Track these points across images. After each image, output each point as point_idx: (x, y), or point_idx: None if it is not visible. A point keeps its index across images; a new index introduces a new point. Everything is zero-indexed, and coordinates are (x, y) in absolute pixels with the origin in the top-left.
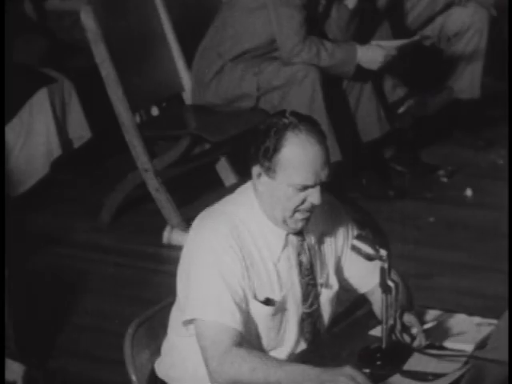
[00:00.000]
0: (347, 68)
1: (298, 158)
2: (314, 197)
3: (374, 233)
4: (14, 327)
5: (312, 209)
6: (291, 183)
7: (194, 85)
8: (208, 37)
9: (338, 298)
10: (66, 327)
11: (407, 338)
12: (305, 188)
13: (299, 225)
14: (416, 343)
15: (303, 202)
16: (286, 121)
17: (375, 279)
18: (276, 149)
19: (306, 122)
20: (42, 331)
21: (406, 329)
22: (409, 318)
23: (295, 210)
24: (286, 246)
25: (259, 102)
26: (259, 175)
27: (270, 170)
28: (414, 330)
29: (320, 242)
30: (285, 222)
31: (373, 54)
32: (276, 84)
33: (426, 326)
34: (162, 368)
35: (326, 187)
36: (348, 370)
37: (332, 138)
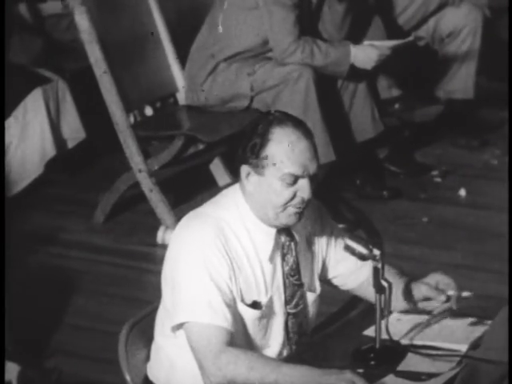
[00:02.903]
0: (342, 68)
1: (285, 149)
2: (303, 190)
3: (367, 233)
4: (9, 327)
5: (303, 204)
6: (280, 175)
7: (187, 86)
8: (200, 37)
9: (331, 299)
10: (60, 327)
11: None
12: (294, 181)
13: (292, 219)
14: (446, 307)
15: (293, 197)
16: (271, 117)
17: (362, 276)
18: (263, 144)
19: (292, 119)
20: (36, 331)
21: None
22: (447, 281)
23: (285, 206)
24: (276, 244)
25: (253, 102)
26: (248, 175)
27: (258, 167)
28: (450, 292)
29: (306, 243)
30: (277, 218)
31: (367, 54)
32: (270, 84)
33: (464, 295)
34: (152, 371)
35: (317, 187)
36: (349, 374)
37: (326, 137)
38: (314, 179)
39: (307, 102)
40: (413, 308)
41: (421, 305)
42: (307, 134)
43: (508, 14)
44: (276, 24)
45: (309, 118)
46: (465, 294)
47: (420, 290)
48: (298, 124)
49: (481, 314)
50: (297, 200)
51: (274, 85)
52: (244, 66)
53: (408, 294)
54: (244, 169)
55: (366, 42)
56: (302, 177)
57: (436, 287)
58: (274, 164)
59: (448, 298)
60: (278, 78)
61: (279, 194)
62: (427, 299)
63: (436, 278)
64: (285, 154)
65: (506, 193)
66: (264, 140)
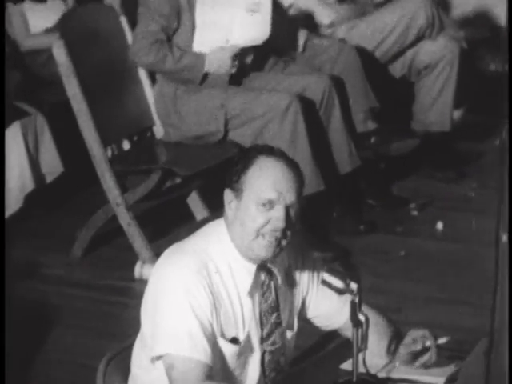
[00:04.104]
0: (194, 74)
1: (264, 173)
2: (277, 218)
3: (344, 266)
4: None
5: (277, 233)
6: (255, 198)
7: (159, 121)
8: None
9: (308, 332)
10: (38, 361)
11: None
12: (269, 208)
13: (264, 251)
14: (427, 358)
15: (267, 223)
16: (260, 148)
17: (344, 316)
18: (244, 168)
19: (280, 153)
20: (14, 365)
21: (416, 343)
22: (422, 333)
23: (259, 233)
24: (255, 281)
25: (228, 135)
26: (230, 202)
27: (238, 191)
28: (428, 343)
29: (286, 281)
30: (251, 247)
31: (219, 57)
32: (250, 115)
33: (440, 341)
34: None
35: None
36: None
37: (315, 167)
38: (290, 211)
39: (296, 133)
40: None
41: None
42: (291, 166)
43: (508, 48)
44: (137, 27)
45: (298, 148)
46: (441, 340)
47: (400, 354)
48: (285, 157)
49: (458, 348)
50: (270, 227)
51: (258, 115)
52: (210, 96)
53: (392, 352)
54: (227, 193)
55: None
56: (278, 203)
57: (414, 342)
58: (251, 187)
59: (426, 349)
60: (262, 109)
61: (253, 218)
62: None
63: (412, 335)
64: (263, 177)
65: (483, 225)
66: (247, 164)
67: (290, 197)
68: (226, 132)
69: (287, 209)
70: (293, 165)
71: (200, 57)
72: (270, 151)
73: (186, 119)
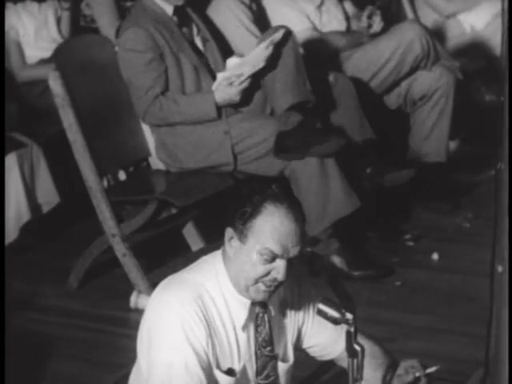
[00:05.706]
0: (209, 116)
1: (272, 226)
2: (278, 271)
3: (340, 296)
4: None
5: (275, 283)
6: (259, 248)
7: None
8: None
9: (304, 362)
10: None
11: None
12: (271, 259)
13: (260, 296)
14: None
15: (267, 274)
16: (269, 191)
17: (339, 346)
18: (252, 214)
19: (288, 200)
20: None
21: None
22: (411, 363)
23: (258, 281)
24: (250, 315)
25: (237, 166)
26: (231, 238)
27: (242, 234)
28: (417, 374)
29: (281, 312)
30: (247, 290)
31: (228, 92)
32: (262, 152)
33: (429, 370)
34: None
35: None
36: None
37: (347, 187)
38: (291, 261)
39: (323, 161)
40: None
41: None
42: (298, 217)
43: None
44: (132, 92)
45: (329, 173)
46: (430, 369)
47: None
48: (292, 206)
49: (453, 378)
50: (269, 278)
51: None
52: (212, 125)
53: (387, 382)
54: (229, 231)
55: (219, 75)
56: (281, 257)
57: (406, 372)
58: (258, 236)
59: (417, 379)
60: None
61: (254, 267)
62: None
63: (403, 365)
64: (270, 230)
65: (479, 256)
66: (255, 211)
67: (293, 251)
68: (236, 162)
69: (289, 260)
70: (298, 212)
71: (208, 98)
72: (277, 197)
73: (192, 154)
